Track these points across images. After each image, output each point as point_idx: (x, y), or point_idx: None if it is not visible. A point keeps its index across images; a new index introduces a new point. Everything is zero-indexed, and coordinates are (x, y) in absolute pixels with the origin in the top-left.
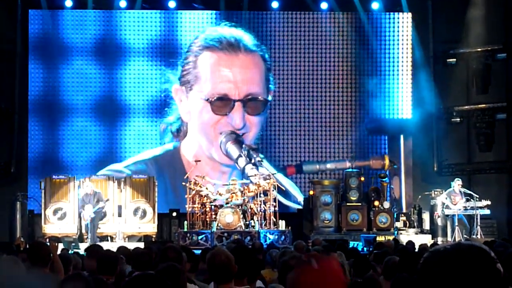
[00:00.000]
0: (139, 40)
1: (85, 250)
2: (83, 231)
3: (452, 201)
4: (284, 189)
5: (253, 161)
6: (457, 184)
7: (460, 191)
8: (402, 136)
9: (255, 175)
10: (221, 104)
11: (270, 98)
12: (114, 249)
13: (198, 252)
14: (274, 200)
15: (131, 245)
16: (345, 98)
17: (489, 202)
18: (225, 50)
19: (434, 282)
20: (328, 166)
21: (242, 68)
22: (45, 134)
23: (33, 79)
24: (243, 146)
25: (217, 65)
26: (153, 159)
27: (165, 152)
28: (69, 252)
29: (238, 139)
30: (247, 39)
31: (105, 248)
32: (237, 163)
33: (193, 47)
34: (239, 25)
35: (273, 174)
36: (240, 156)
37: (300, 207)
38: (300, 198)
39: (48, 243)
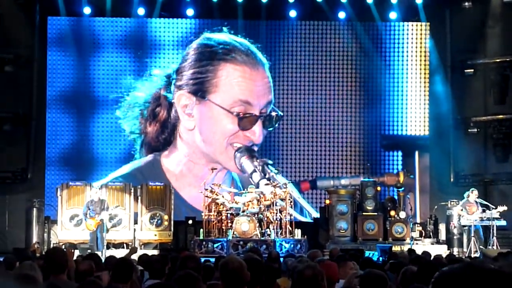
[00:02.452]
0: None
1: (105, 261)
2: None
3: (468, 211)
4: (298, 197)
5: (267, 176)
6: (473, 194)
7: (476, 202)
8: (417, 153)
9: (270, 184)
10: (248, 120)
11: (281, 113)
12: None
13: (213, 260)
14: (292, 205)
15: (147, 253)
16: (360, 112)
17: (505, 208)
18: (247, 63)
19: None
20: (343, 182)
21: (259, 81)
22: (64, 140)
23: (51, 84)
24: (258, 161)
25: (240, 77)
26: (137, 169)
27: (146, 163)
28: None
29: (253, 154)
30: (257, 50)
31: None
32: (251, 178)
33: (199, 53)
34: (243, 36)
35: (288, 183)
36: (254, 171)
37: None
38: (314, 214)
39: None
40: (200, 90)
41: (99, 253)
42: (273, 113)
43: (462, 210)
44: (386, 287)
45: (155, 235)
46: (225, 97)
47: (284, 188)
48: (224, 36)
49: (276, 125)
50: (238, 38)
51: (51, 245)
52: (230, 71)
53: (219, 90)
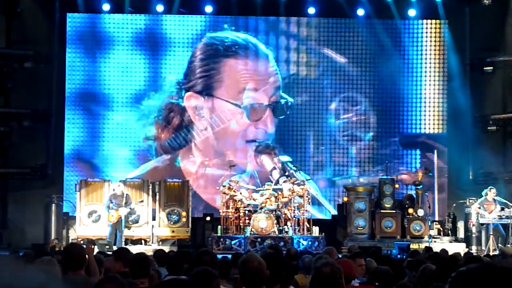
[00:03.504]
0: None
1: (113, 253)
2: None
3: (487, 209)
4: (317, 194)
5: (287, 173)
6: (492, 192)
7: (494, 200)
8: (436, 151)
9: (288, 181)
10: (258, 110)
11: (291, 100)
12: (148, 253)
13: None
14: (310, 202)
15: (165, 249)
16: (379, 110)
17: None
18: (248, 55)
19: None
20: (361, 180)
21: (263, 70)
22: (82, 136)
23: (70, 81)
24: (277, 158)
25: (243, 69)
26: (154, 169)
27: (164, 164)
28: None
29: (272, 151)
30: (259, 42)
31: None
32: (271, 175)
33: (203, 54)
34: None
35: (307, 180)
36: (274, 168)
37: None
38: (333, 211)
39: (84, 246)
40: (207, 88)
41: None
42: (282, 101)
43: (480, 208)
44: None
45: (173, 231)
46: (230, 91)
47: (302, 185)
48: (226, 34)
49: (288, 113)
50: (240, 34)
51: (70, 241)
52: (233, 65)
53: (224, 85)
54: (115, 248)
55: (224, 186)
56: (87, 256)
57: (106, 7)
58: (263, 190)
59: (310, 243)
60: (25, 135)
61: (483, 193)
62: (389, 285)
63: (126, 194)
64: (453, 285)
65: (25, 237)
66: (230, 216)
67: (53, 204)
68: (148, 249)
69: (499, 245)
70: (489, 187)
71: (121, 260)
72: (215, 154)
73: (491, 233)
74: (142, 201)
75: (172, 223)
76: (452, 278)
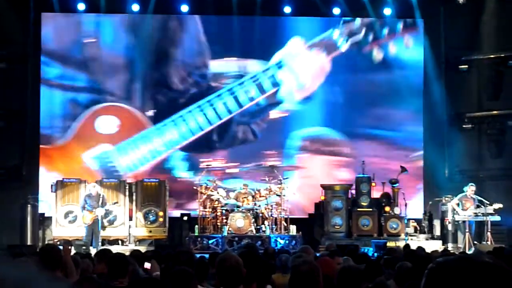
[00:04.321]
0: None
1: (95, 254)
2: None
3: (463, 206)
4: (294, 193)
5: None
6: (470, 189)
7: (473, 197)
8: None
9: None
10: None
11: None
12: (125, 253)
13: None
14: (287, 201)
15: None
16: (357, 108)
17: (501, 205)
18: None
19: None
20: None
21: None
22: (56, 137)
23: (45, 81)
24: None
25: None
26: None
27: None
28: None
29: None
30: None
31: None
32: None
33: None
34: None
35: (284, 179)
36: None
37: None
38: (310, 209)
39: (61, 247)
40: None
41: (94, 250)
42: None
43: (458, 204)
44: (361, 280)
45: (150, 231)
46: None
47: (279, 184)
48: None
49: None
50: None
51: (46, 242)
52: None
53: None
54: (92, 249)
55: (201, 186)
56: (63, 257)
57: (81, 6)
58: (239, 189)
59: (287, 242)
60: (0, 136)
61: (464, 189)
62: (358, 283)
63: (102, 195)
64: (429, 276)
65: (1, 239)
66: (207, 216)
67: (29, 205)
68: (125, 250)
69: (475, 242)
70: (470, 184)
71: (104, 261)
72: None
73: (467, 230)
74: (116, 202)
75: (149, 223)
76: (429, 269)
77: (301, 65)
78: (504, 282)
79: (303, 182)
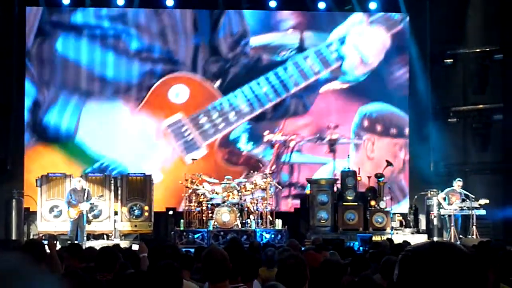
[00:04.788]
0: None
1: (66, 249)
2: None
3: (449, 200)
4: (281, 188)
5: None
6: (457, 184)
7: (459, 192)
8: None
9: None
10: None
11: None
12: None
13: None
14: (273, 195)
15: (128, 244)
16: (340, 96)
17: (487, 201)
18: None
19: (411, 281)
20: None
21: None
22: (42, 131)
23: (29, 76)
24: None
25: None
26: None
27: None
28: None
29: None
30: None
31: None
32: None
33: None
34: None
35: (270, 173)
36: None
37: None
38: (295, 204)
39: (46, 241)
40: None
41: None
42: None
43: (444, 198)
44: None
45: (135, 226)
46: None
47: (265, 178)
48: None
49: None
50: None
51: (31, 237)
52: None
53: None
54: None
55: (186, 180)
56: (48, 251)
57: (66, 0)
58: (225, 183)
59: (273, 236)
60: None
61: (453, 183)
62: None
63: (87, 189)
64: (402, 262)
65: None
66: (192, 210)
67: (14, 200)
68: (110, 244)
69: (460, 236)
70: (457, 179)
71: (77, 256)
72: None
73: (452, 224)
74: (101, 195)
75: (134, 217)
76: (401, 255)
77: (364, 41)
78: (474, 266)
79: (362, 156)
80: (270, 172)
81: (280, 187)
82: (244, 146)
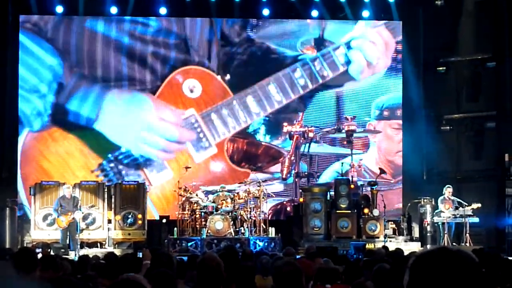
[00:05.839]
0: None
1: (40, 260)
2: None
3: (444, 208)
4: (272, 195)
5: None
6: (447, 191)
7: (451, 199)
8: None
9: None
10: None
11: None
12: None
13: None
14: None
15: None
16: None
17: (479, 205)
18: None
19: (421, 286)
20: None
21: None
22: (38, 140)
23: (23, 83)
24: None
25: None
26: None
27: None
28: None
29: None
30: None
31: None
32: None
33: None
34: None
35: (263, 181)
36: None
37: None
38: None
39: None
40: None
41: (72, 253)
42: None
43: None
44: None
45: (129, 234)
46: None
47: (258, 186)
48: None
49: None
50: None
51: (25, 245)
52: None
53: None
54: (70, 252)
55: (179, 188)
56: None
57: (59, 9)
58: (218, 192)
59: (266, 244)
60: None
61: (444, 190)
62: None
63: (75, 197)
64: (413, 268)
65: None
66: (186, 218)
67: (7, 208)
68: (103, 252)
69: (454, 244)
70: (446, 186)
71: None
72: None
73: (446, 232)
74: (93, 205)
75: (127, 225)
76: (412, 261)
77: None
78: (478, 269)
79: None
80: (264, 180)
81: (273, 195)
82: (263, 137)
